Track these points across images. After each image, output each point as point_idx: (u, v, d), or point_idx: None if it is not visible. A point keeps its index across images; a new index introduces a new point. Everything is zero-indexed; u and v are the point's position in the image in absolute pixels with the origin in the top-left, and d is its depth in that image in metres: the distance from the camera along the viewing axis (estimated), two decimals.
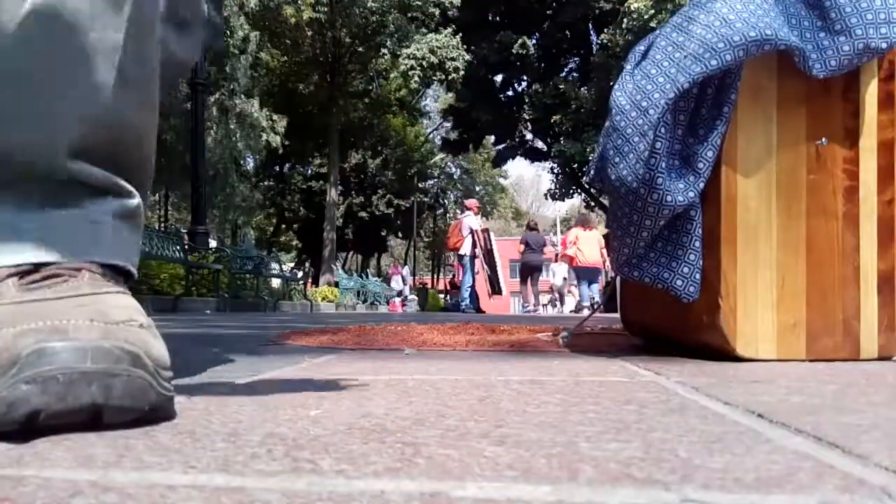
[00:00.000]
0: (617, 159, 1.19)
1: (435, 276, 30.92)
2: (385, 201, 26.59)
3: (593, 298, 9.51)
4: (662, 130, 1.12)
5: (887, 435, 0.49)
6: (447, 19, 20.84)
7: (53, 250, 0.61)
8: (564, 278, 12.15)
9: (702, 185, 1.14)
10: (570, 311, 11.20)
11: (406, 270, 21.76)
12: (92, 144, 0.65)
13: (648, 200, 1.14)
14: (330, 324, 2.82)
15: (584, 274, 9.51)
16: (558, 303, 12.27)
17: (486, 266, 10.68)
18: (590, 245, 9.21)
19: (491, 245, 10.70)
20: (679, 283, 1.18)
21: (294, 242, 29.77)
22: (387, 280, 20.25)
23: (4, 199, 0.63)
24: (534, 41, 23.01)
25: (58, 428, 0.47)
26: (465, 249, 10.00)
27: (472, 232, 10.06)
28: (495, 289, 10.96)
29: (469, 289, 10.15)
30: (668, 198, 1.13)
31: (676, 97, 1.10)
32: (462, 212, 12.40)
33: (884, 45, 1.05)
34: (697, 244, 1.19)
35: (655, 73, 1.15)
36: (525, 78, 23.88)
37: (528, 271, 10.39)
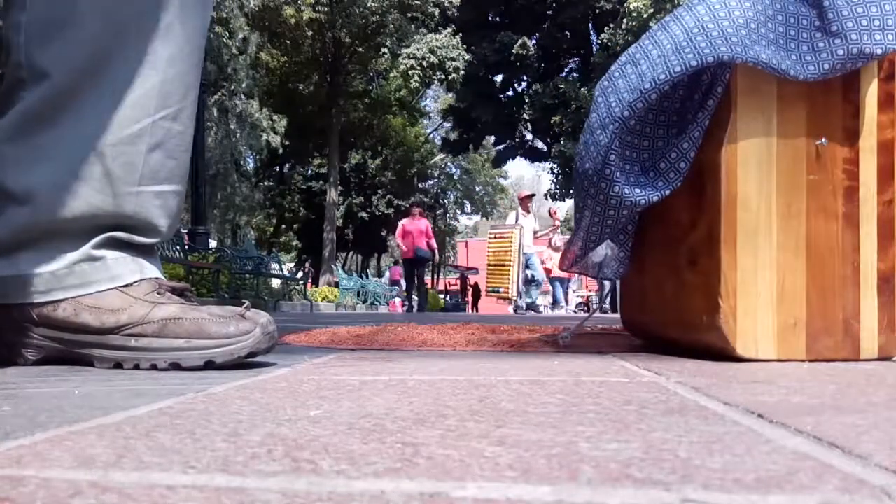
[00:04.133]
0: (584, 153, 1.28)
1: (435, 277, 30.90)
2: (385, 201, 26.60)
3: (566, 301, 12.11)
4: (623, 127, 1.17)
5: (887, 435, 0.49)
6: (447, 19, 20.85)
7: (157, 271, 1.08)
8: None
9: (667, 191, 1.19)
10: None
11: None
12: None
13: (610, 194, 1.21)
14: (330, 324, 2.82)
15: (557, 279, 12.18)
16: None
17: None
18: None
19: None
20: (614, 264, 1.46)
21: (294, 242, 29.77)
22: (394, 282, 20.20)
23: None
24: (534, 41, 23.02)
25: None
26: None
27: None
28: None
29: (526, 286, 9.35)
30: (626, 191, 1.20)
31: (642, 96, 1.13)
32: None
33: (879, 51, 1.05)
34: (630, 244, 1.43)
35: (631, 71, 1.18)
36: (525, 78, 23.89)
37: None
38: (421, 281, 10.92)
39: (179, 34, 1.02)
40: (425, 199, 28.92)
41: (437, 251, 10.98)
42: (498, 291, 10.32)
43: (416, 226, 10.38)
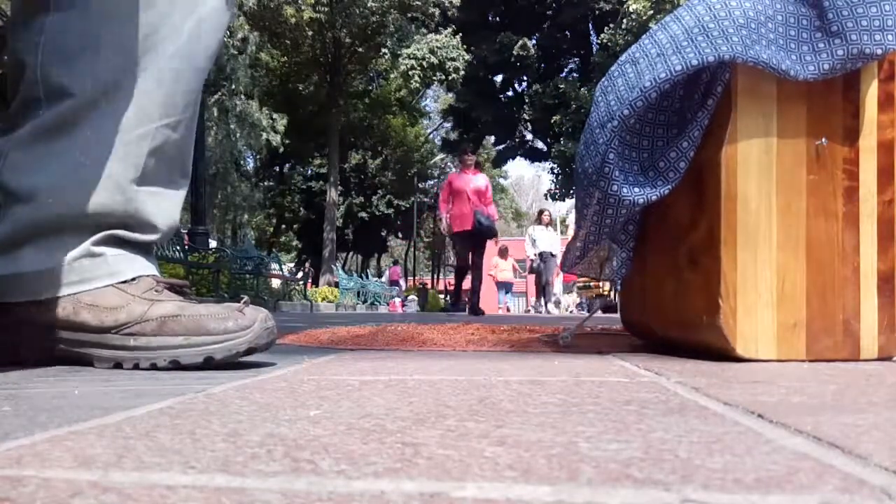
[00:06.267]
0: (584, 152, 1.28)
1: (435, 277, 30.88)
2: (385, 201, 26.61)
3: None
4: (623, 125, 1.17)
5: (887, 435, 0.49)
6: (447, 19, 20.86)
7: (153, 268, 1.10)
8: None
9: (665, 189, 1.18)
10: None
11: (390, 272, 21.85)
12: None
13: (609, 193, 1.21)
14: (330, 324, 2.82)
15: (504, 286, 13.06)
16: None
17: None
18: (508, 265, 13.19)
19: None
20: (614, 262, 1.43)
21: (294, 242, 29.78)
22: (394, 282, 20.22)
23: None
24: (534, 42, 23.03)
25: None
26: None
27: None
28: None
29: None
30: (625, 191, 1.19)
31: (642, 94, 1.13)
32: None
33: (878, 52, 1.05)
34: (632, 244, 1.41)
35: (630, 70, 1.18)
36: (525, 78, 23.91)
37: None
38: (477, 267, 6.54)
39: (187, 55, 1.07)
40: (425, 200, 28.88)
41: (495, 218, 6.77)
42: (588, 287, 8.56)
43: (471, 183, 6.39)
